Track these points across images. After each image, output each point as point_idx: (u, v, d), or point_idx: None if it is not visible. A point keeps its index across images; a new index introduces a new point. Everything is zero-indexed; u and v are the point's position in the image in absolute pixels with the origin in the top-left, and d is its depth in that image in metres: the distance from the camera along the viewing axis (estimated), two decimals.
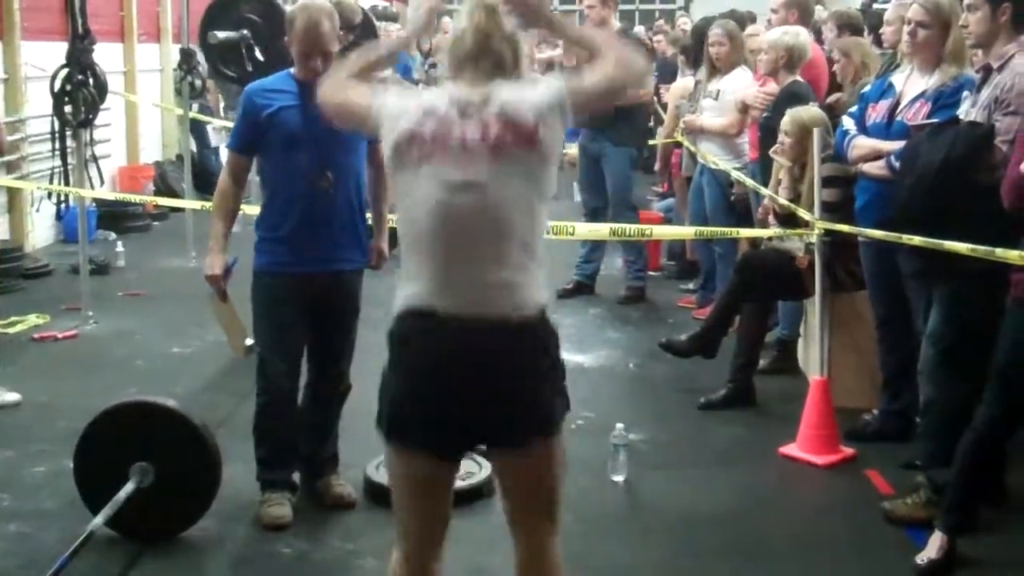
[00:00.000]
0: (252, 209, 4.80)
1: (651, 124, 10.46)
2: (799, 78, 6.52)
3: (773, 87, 6.73)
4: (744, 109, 6.99)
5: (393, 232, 3.49)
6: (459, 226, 2.78)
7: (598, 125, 8.00)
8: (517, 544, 3.01)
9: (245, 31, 6.75)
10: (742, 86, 7.17)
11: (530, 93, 2.83)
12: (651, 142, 11.00)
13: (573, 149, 9.21)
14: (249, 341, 4.59)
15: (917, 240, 4.25)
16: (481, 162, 2.76)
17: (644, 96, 8.21)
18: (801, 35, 6.67)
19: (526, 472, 2.94)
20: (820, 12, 9.12)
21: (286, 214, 4.41)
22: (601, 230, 7.05)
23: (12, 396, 5.83)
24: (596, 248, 8.34)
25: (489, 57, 2.86)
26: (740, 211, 7.08)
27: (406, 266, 2.88)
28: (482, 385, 2.79)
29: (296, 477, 4.66)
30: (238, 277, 4.50)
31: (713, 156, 7.26)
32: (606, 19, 8.03)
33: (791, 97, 6.30)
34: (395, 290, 2.89)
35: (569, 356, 6.72)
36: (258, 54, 6.70)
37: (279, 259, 4.42)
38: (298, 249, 4.39)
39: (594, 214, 8.26)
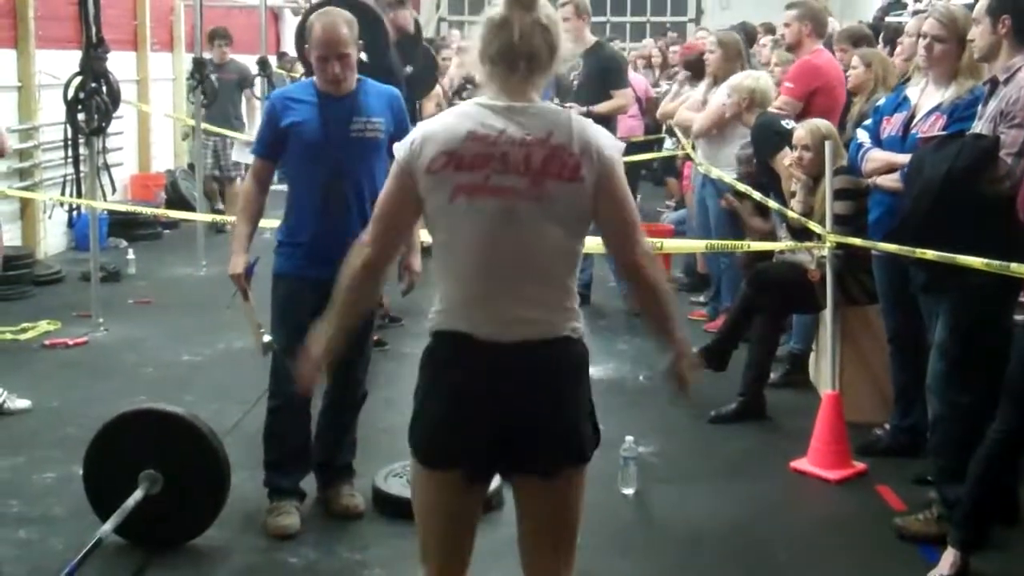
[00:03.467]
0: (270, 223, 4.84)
1: (663, 136, 10.48)
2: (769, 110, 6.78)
3: (785, 100, 6.75)
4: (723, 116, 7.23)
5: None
6: (497, 257, 2.75)
7: None
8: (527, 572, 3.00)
9: (410, 68, 7.42)
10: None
11: (583, 130, 2.78)
12: (657, 154, 11.06)
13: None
14: (266, 338, 4.58)
15: (931, 254, 4.23)
16: (522, 193, 2.72)
17: (623, 110, 8.42)
18: (762, 79, 6.97)
19: (551, 501, 2.93)
20: (833, 24, 9.13)
21: (303, 222, 4.45)
22: None
23: (23, 403, 5.83)
24: (586, 257, 8.34)
25: (527, 58, 2.75)
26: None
27: (443, 290, 2.85)
28: (519, 407, 2.78)
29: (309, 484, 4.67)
30: (259, 276, 4.53)
31: (715, 167, 7.29)
32: (579, 30, 8.07)
33: (762, 128, 6.56)
34: (421, 303, 2.88)
35: None
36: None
37: (296, 263, 4.46)
38: (315, 256, 4.39)
39: None
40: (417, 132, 2.82)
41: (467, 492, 2.90)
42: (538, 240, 2.75)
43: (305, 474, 4.66)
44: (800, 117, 6.41)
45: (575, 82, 8.11)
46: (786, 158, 6.13)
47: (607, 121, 8.20)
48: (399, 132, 4.53)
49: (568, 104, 8.05)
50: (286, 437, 4.56)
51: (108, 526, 4.01)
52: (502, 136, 2.73)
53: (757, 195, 6.39)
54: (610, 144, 2.81)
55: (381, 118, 4.45)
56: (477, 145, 2.73)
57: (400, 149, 2.82)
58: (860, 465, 5.13)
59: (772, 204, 6.13)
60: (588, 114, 7.93)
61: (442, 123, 2.81)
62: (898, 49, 6.32)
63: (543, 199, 2.72)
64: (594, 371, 6.92)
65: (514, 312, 2.77)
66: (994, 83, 4.23)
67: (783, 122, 6.51)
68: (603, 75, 8.07)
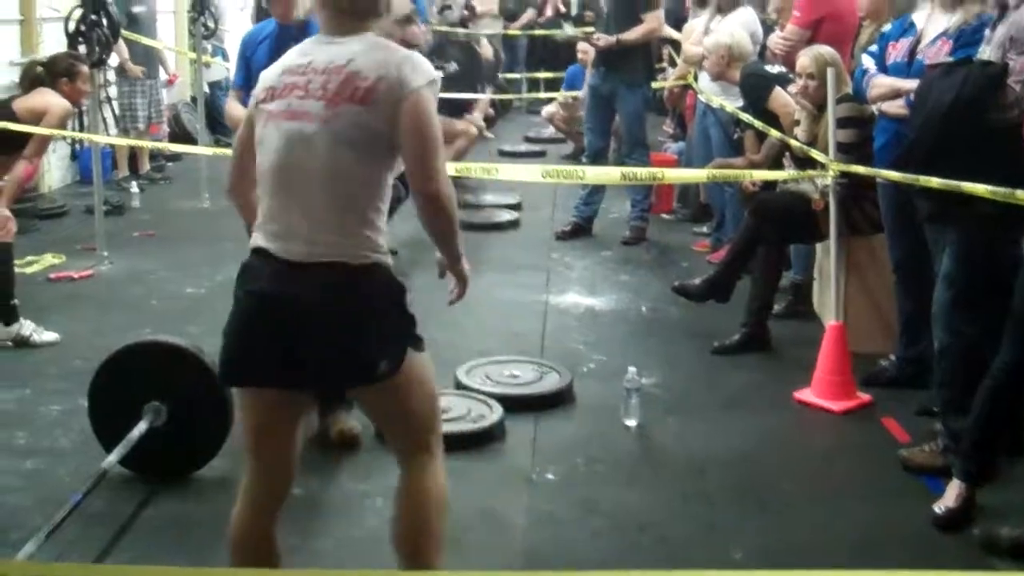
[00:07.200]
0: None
1: (664, 65, 10.35)
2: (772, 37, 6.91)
3: (792, 29, 6.68)
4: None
5: None
6: (291, 178, 2.91)
7: (610, 65, 7.94)
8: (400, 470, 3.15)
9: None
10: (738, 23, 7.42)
11: (389, 59, 2.91)
12: (661, 84, 10.93)
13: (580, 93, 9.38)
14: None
15: (935, 182, 4.19)
16: (315, 116, 2.87)
17: (655, 33, 8.17)
18: (735, 34, 7.07)
19: (384, 401, 3.06)
20: None
21: None
22: (612, 174, 7.00)
23: (50, 335, 5.86)
24: (596, 191, 8.29)
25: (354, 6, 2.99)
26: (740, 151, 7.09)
27: (259, 208, 3.00)
28: (303, 330, 2.85)
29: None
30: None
31: (717, 97, 7.24)
32: None
33: (749, 78, 6.67)
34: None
35: (581, 299, 6.76)
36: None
37: None
38: None
39: (596, 156, 8.22)
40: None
41: (275, 408, 3.00)
42: (330, 163, 2.87)
43: None
44: (808, 44, 6.34)
45: (605, 11, 8.00)
46: (782, 95, 6.26)
47: (643, 48, 8.07)
48: None
49: (596, 36, 7.97)
50: None
51: (113, 457, 4.03)
52: (309, 66, 2.93)
53: (759, 124, 6.34)
54: (419, 77, 2.89)
55: None
56: (288, 76, 2.97)
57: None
58: (865, 396, 5.13)
59: (774, 132, 6.08)
60: (617, 44, 7.83)
61: (277, 62, 3.06)
62: None
63: (332, 121, 2.85)
64: (597, 302, 6.99)
65: (308, 233, 2.87)
66: (1003, 7, 4.15)
67: (767, 67, 6.70)
68: (630, 0, 7.95)
